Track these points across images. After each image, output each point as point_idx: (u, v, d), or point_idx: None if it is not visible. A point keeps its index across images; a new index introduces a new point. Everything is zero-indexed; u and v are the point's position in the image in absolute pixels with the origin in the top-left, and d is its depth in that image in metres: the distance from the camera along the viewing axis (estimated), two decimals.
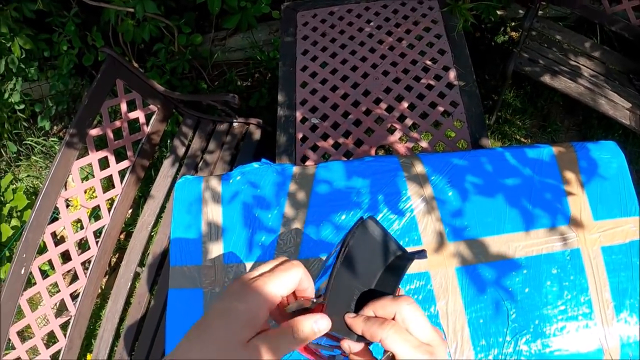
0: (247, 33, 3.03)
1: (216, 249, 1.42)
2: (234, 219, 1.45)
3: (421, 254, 0.59)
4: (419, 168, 1.50)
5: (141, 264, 2.36)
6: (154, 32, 2.72)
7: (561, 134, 2.92)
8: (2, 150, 3.36)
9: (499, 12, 2.78)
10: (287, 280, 0.50)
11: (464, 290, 1.33)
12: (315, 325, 0.48)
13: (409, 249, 0.61)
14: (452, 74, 2.02)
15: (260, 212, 1.45)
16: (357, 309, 0.54)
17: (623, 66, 2.54)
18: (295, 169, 1.51)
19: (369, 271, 0.57)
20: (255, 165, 1.54)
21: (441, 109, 1.95)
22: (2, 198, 2.69)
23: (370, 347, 0.57)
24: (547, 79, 2.49)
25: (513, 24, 3.19)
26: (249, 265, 1.39)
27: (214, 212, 1.46)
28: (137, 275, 2.36)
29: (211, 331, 0.46)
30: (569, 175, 1.45)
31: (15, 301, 1.96)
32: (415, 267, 1.36)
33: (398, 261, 0.59)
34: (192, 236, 1.46)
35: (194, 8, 2.97)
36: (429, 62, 2.08)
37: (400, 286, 0.59)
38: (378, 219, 1.41)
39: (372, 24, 2.22)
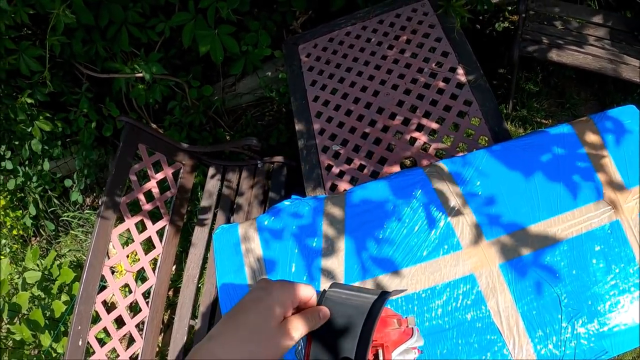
0: (254, 75, 3.09)
1: None
2: (274, 259, 1.47)
3: (393, 292, 0.63)
4: (445, 174, 1.50)
5: (193, 316, 2.39)
6: (165, 91, 2.80)
7: (580, 107, 2.89)
8: (41, 230, 3.47)
9: (492, 0, 2.78)
10: (302, 286, 0.61)
11: (511, 286, 1.33)
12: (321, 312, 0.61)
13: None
14: (459, 74, 2.03)
15: (299, 248, 1.47)
16: None
17: (626, 25, 2.50)
18: (325, 200, 1.53)
19: (349, 338, 0.60)
20: (286, 202, 1.56)
21: (456, 110, 1.96)
22: (49, 275, 2.77)
23: None
24: (553, 55, 2.47)
25: (510, 8, 3.18)
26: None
27: (254, 255, 1.49)
28: (191, 329, 2.39)
29: (245, 320, 0.55)
30: (594, 148, 1.43)
31: None
32: (459, 271, 1.37)
33: (373, 313, 0.62)
34: (238, 282, 1.48)
35: (198, 61, 3.05)
36: (434, 67, 2.09)
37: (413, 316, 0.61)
38: (414, 231, 1.42)
39: (372, 41, 2.25)
